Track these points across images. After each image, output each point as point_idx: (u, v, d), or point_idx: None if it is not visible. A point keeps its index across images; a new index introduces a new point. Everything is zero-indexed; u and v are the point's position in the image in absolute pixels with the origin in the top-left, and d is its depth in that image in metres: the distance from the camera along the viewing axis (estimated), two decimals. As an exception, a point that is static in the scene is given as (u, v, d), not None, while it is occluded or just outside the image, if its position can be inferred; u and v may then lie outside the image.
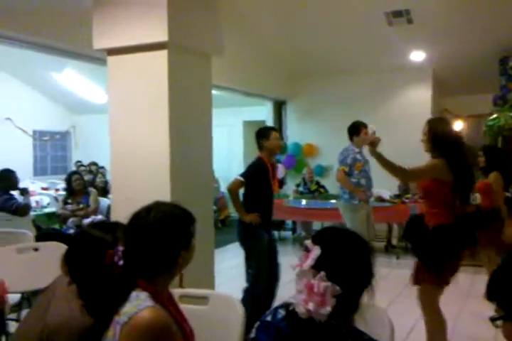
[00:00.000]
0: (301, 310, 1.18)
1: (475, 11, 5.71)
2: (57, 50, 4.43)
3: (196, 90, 3.08)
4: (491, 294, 1.02)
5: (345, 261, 1.24)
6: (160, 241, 1.43)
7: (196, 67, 3.08)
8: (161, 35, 2.76)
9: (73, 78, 9.72)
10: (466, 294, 4.55)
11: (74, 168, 9.76)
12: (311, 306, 1.16)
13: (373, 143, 3.00)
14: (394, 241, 6.64)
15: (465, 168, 2.93)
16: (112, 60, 3.03)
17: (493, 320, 1.01)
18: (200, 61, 3.10)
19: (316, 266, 1.20)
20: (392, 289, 4.77)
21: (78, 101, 10.71)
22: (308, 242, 1.27)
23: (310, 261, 1.20)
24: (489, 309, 1.04)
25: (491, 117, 6.66)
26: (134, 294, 1.40)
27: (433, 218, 2.93)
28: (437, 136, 2.93)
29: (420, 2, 5.74)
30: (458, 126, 8.27)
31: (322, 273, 1.18)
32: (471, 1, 5.58)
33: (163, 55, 2.82)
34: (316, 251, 1.22)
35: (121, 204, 2.82)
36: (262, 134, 3.82)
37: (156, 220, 1.45)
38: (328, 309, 1.15)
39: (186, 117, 2.97)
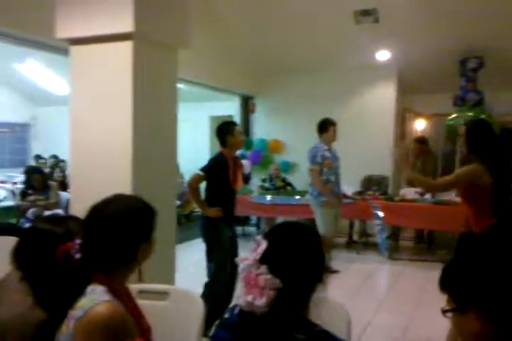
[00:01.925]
0: (241, 302, 1.20)
1: (438, 13, 5.84)
2: (18, 39, 4.28)
3: (161, 83, 3.03)
4: (443, 285, 1.05)
5: (291, 255, 1.24)
6: (119, 234, 1.41)
7: (162, 59, 3.03)
8: (127, 26, 2.70)
9: (35, 69, 9.43)
10: (421, 290, 4.68)
11: (33, 162, 9.50)
12: (249, 298, 1.18)
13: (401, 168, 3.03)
14: (355, 237, 6.75)
15: (505, 171, 2.88)
16: (75, 50, 2.95)
17: (444, 311, 1.04)
18: (166, 53, 3.06)
19: (262, 260, 1.21)
20: (352, 283, 4.86)
21: (39, 92, 10.41)
22: (258, 237, 1.28)
23: (255, 255, 1.22)
24: (444, 301, 1.07)
25: (451, 117, 6.85)
26: (89, 288, 1.37)
27: (480, 222, 2.90)
28: (474, 139, 2.93)
29: (387, 1, 5.83)
30: (420, 124, 8.49)
31: (263, 267, 1.19)
32: (435, 3, 5.71)
33: (128, 46, 2.76)
34: (262, 246, 1.23)
35: (81, 199, 2.76)
36: (226, 130, 3.80)
37: (115, 212, 1.43)
38: (263, 301, 1.16)
39: (151, 110, 2.92)
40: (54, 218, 1.69)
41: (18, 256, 1.56)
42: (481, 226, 2.89)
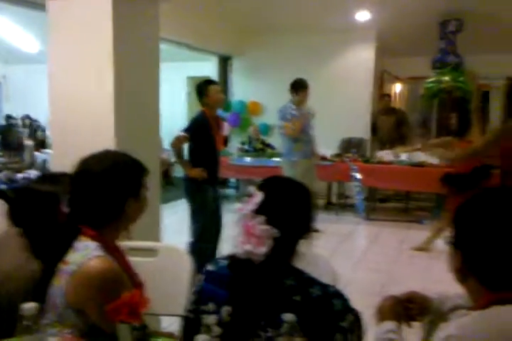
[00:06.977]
0: (239, 250, 1.23)
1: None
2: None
3: (143, 37, 2.92)
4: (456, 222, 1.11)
5: (285, 207, 1.28)
6: (107, 187, 1.40)
7: (143, 12, 2.91)
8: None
9: (3, 25, 8.99)
10: (398, 249, 4.85)
11: (4, 122, 9.25)
12: (248, 247, 1.21)
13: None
14: (333, 199, 6.87)
15: None
16: (51, 4, 2.82)
17: (448, 242, 1.12)
18: (147, 6, 2.93)
19: (258, 211, 1.23)
20: (331, 243, 4.99)
21: (8, 49, 9.96)
22: (252, 188, 1.30)
23: (251, 206, 1.24)
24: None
25: (430, 80, 6.87)
26: (82, 244, 1.38)
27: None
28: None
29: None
30: (397, 87, 8.51)
31: (261, 217, 1.22)
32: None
33: (107, -1, 2.65)
34: (257, 197, 1.25)
35: (61, 160, 2.71)
36: (200, 92, 3.77)
37: (104, 166, 1.43)
38: (263, 250, 1.20)
39: (133, 66, 2.83)
40: (53, 177, 1.67)
41: (15, 217, 1.56)
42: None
